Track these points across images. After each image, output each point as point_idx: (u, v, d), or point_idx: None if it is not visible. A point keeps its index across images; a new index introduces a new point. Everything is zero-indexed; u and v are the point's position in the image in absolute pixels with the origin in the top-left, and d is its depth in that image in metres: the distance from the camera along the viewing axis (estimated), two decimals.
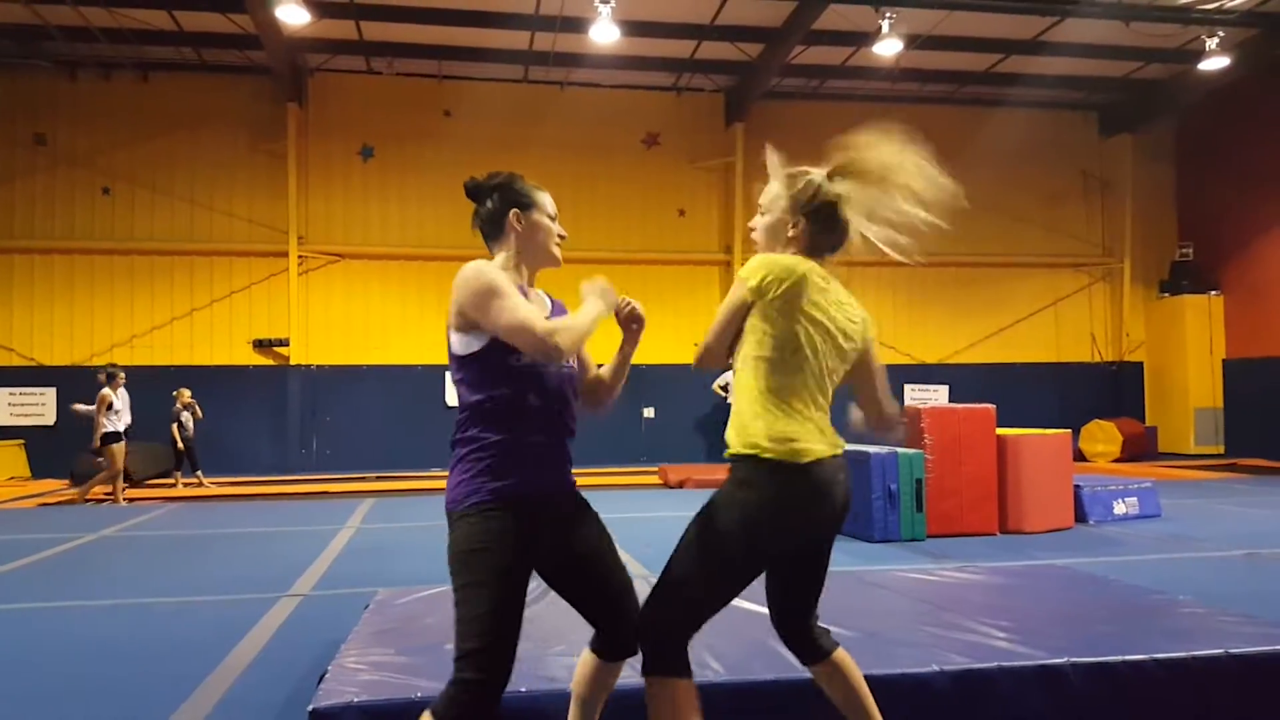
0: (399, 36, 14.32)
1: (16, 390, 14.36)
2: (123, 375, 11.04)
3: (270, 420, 14.96)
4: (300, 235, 15.14)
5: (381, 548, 7.16)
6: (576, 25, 13.25)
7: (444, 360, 2.07)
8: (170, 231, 15.07)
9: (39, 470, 13.60)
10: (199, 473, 12.58)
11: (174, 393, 12.62)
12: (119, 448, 10.71)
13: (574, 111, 15.76)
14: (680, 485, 12.09)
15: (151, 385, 13.68)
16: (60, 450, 13.46)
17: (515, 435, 2.23)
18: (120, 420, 10.78)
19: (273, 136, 15.05)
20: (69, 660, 4.08)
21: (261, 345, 15.14)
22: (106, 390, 10.68)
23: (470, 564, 2.15)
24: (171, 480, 12.79)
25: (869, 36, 13.22)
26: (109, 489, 11.03)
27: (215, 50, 14.51)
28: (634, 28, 13.41)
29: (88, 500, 11.07)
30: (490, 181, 2.45)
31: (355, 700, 2.73)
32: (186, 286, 15.10)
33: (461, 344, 2.25)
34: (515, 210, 2.40)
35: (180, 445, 12.46)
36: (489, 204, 2.42)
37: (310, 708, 2.70)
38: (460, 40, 14.38)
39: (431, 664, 3.04)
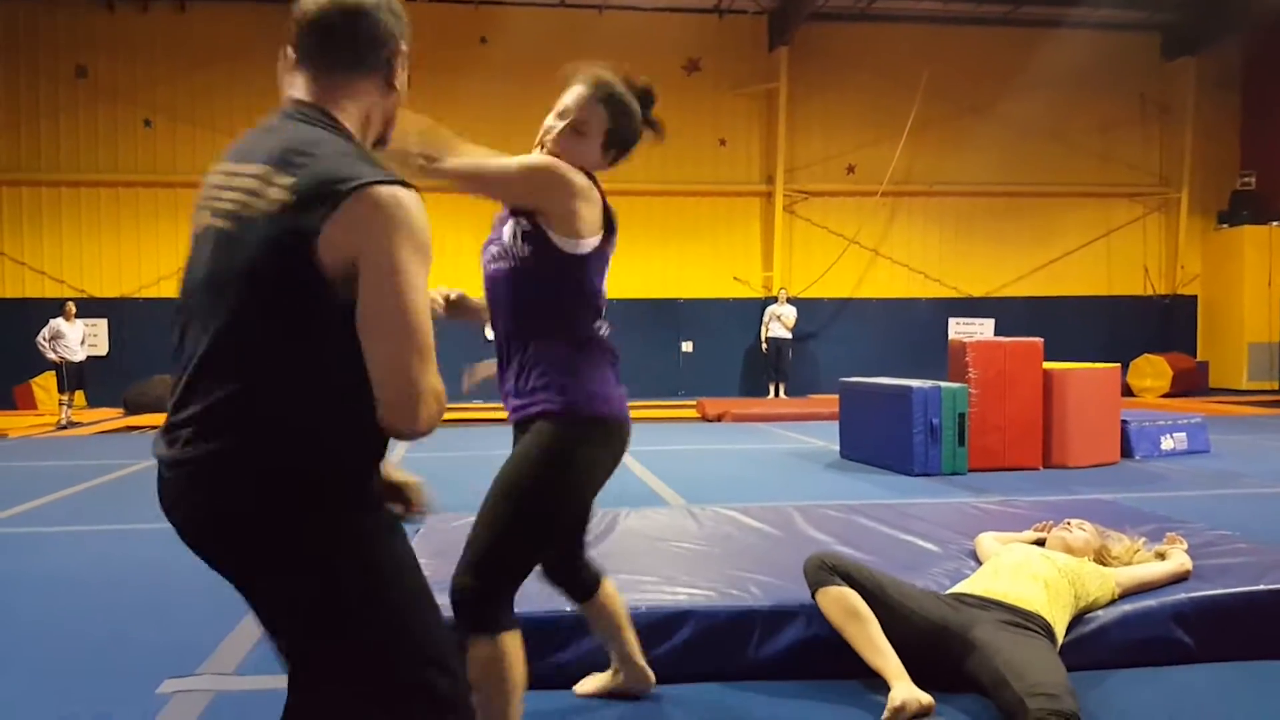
0: None
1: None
2: None
3: None
4: None
5: (430, 477, 7.24)
6: None
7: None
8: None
9: (95, 399, 13.96)
10: None
11: None
12: None
13: (612, 36, 15.37)
14: (719, 419, 12.12)
15: None
16: (114, 379, 13.83)
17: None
18: None
19: None
20: (127, 580, 4.22)
21: None
22: None
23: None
24: None
25: None
26: None
27: None
28: None
29: None
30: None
31: None
32: None
33: None
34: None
35: None
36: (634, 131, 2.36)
37: None
38: None
39: None
